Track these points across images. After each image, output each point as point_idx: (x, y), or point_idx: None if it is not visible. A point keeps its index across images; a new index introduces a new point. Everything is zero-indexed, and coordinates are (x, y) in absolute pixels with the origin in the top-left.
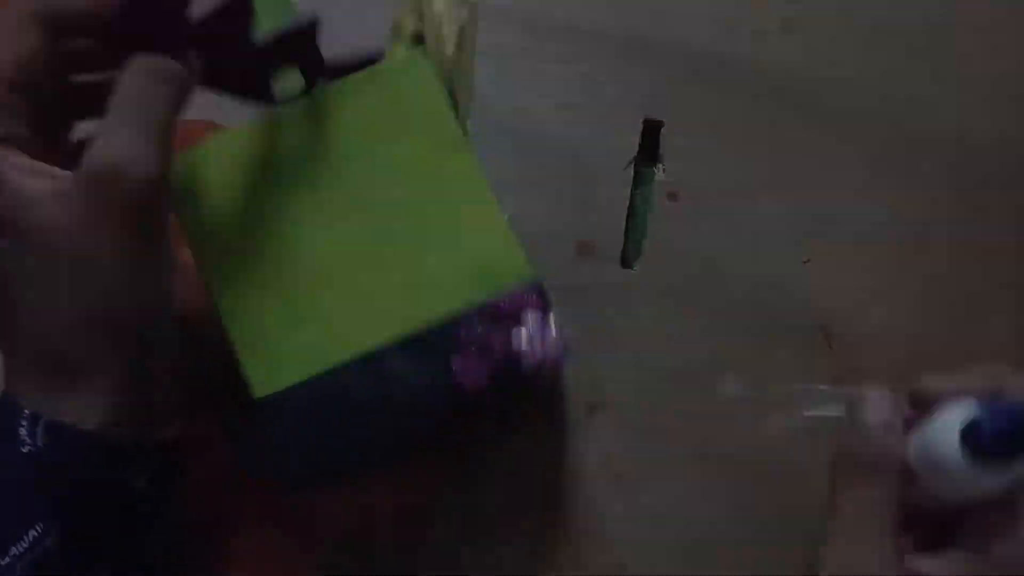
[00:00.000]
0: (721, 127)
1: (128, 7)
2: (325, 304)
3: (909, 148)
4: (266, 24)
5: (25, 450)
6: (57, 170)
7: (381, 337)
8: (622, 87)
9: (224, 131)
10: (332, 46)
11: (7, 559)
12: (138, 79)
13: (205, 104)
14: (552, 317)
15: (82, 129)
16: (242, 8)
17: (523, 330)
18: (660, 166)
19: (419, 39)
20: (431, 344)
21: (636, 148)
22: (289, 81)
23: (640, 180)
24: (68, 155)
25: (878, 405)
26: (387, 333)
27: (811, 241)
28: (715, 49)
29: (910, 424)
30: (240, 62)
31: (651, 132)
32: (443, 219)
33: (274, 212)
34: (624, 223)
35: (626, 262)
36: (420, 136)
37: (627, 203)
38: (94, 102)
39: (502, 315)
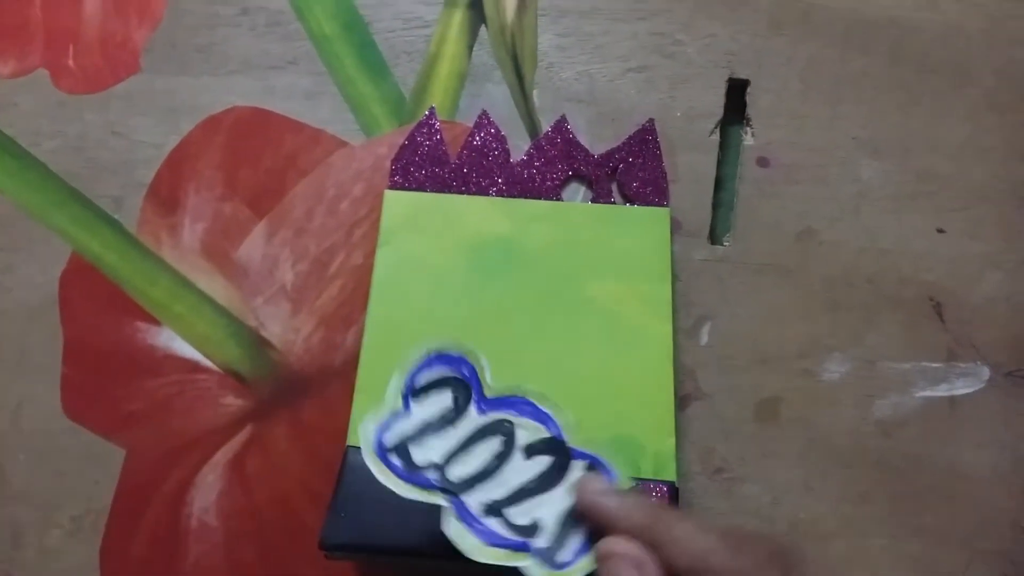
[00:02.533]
0: (812, 83)
1: None
2: None
3: (1018, 97)
4: None
5: None
6: None
7: None
8: (701, 44)
9: (458, 197)
10: (384, 13)
11: None
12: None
13: (250, 92)
14: None
15: None
16: None
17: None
18: (748, 129)
19: (476, 2)
20: None
21: (720, 111)
22: None
23: (727, 146)
24: None
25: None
26: None
27: (916, 204)
28: None
29: None
30: None
31: (736, 93)
32: (615, 372)
33: (462, 285)
34: (711, 194)
35: (715, 237)
36: (634, 286)
37: (713, 172)
38: None
39: None
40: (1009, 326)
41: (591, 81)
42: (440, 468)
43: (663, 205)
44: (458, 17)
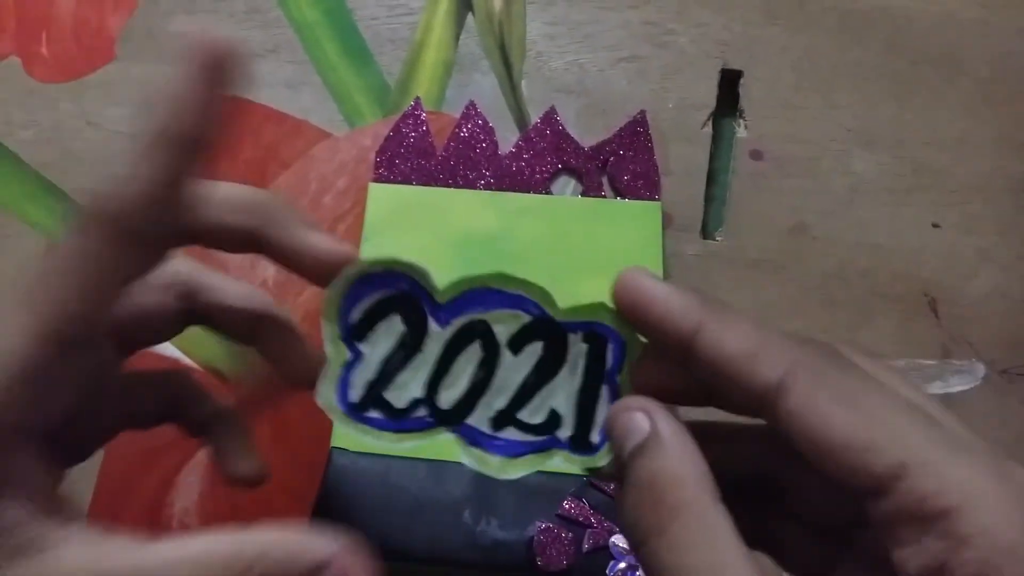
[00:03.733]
0: (806, 74)
1: None
2: None
3: (1014, 89)
4: None
5: None
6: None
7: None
8: (694, 34)
9: (445, 191)
10: (369, 2)
11: None
12: None
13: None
14: None
15: None
16: None
17: (623, 539)
18: (741, 121)
19: None
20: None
21: (713, 103)
22: None
23: (719, 138)
24: None
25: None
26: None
27: (911, 197)
28: None
29: None
30: None
31: (729, 84)
32: None
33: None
34: (703, 188)
35: (707, 231)
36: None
37: (706, 165)
38: None
39: (612, 503)
40: (1004, 322)
41: (581, 71)
42: (426, 401)
43: (654, 199)
44: (444, 4)
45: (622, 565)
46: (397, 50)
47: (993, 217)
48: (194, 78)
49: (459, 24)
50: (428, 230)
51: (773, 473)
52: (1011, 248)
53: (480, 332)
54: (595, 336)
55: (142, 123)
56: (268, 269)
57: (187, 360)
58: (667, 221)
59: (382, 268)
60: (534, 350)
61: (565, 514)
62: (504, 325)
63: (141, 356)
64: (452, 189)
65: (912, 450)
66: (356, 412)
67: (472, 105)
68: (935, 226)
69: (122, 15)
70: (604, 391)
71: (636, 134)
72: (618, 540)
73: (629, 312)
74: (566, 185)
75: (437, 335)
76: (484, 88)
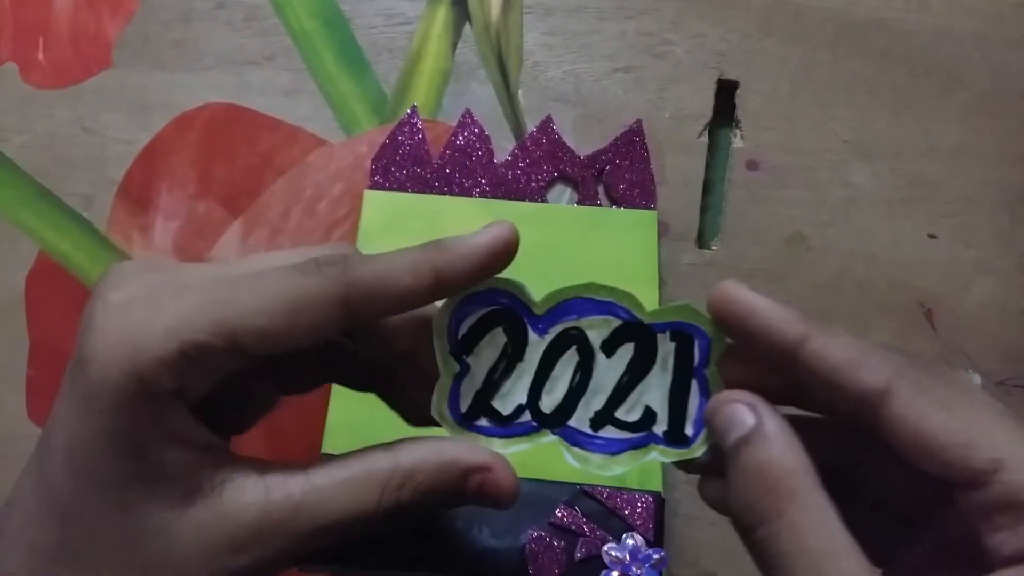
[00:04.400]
0: (802, 85)
1: None
2: None
3: (1011, 101)
4: None
5: None
6: (218, 444)
7: None
8: (690, 45)
9: (440, 198)
10: (365, 9)
11: None
12: None
13: (226, 88)
14: (659, 558)
15: None
16: None
17: (616, 548)
18: (737, 132)
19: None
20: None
21: (710, 113)
22: None
23: (715, 148)
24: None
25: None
26: None
27: (907, 209)
28: None
29: None
30: None
31: (725, 94)
32: None
33: None
34: (699, 197)
35: (703, 241)
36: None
37: (702, 175)
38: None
39: (606, 511)
40: (1001, 333)
41: (577, 81)
42: (529, 406)
43: (650, 207)
44: (442, 14)
45: (615, 574)
46: (394, 59)
47: (990, 228)
48: (485, 257)
49: (456, 33)
50: (423, 237)
51: (841, 461)
52: (1008, 259)
53: (575, 338)
54: (682, 334)
55: (429, 253)
56: None
57: None
58: (663, 230)
59: (485, 286)
60: (626, 351)
61: (557, 522)
62: (597, 330)
63: None
64: (447, 197)
65: (1005, 447)
66: (466, 421)
67: (468, 113)
68: (932, 237)
69: (119, 22)
70: (694, 386)
71: (632, 143)
72: (611, 549)
73: (729, 323)
74: (562, 194)
75: (536, 344)
76: (481, 97)
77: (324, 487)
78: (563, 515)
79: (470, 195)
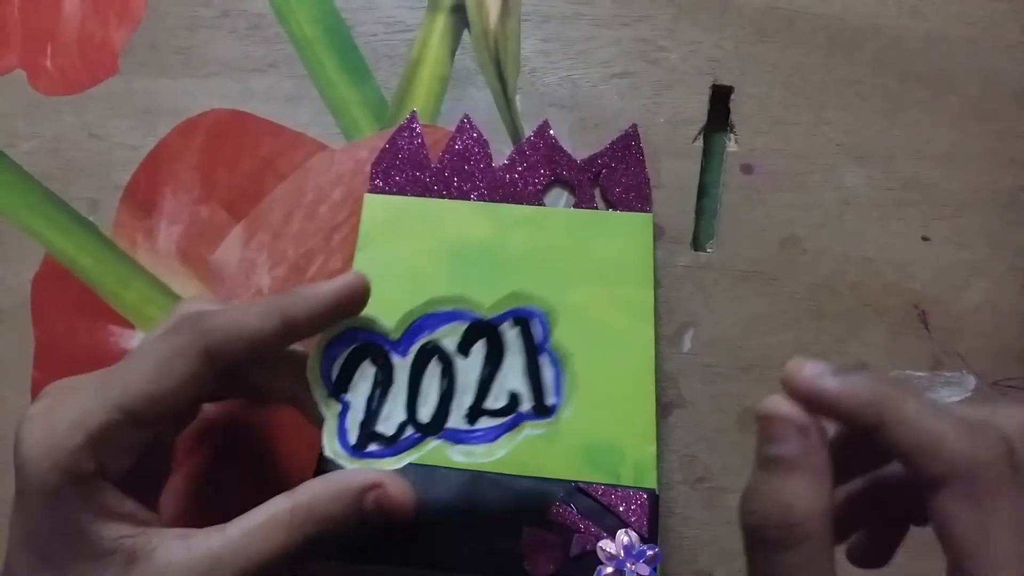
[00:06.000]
0: (796, 90)
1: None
2: None
3: (1003, 105)
4: None
5: None
6: (144, 514)
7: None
8: (685, 51)
9: (439, 201)
10: (366, 17)
11: None
12: None
13: (230, 94)
14: (652, 555)
15: None
16: None
17: (610, 544)
18: (731, 136)
19: (459, 7)
20: (520, 493)
21: (704, 118)
22: None
23: (710, 152)
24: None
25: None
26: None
27: (901, 211)
28: (785, 4)
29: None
30: None
31: (720, 99)
32: (596, 377)
33: (442, 290)
34: (694, 201)
35: (698, 243)
36: (616, 291)
37: (697, 179)
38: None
39: (601, 508)
40: (995, 335)
41: (574, 86)
42: (410, 421)
43: (646, 211)
44: (441, 21)
45: (609, 570)
46: (394, 66)
47: (983, 231)
48: (330, 303)
49: (455, 40)
50: (422, 240)
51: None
52: (1001, 261)
53: (433, 351)
54: (521, 319)
55: (279, 299)
56: (263, 279)
57: None
58: (658, 233)
59: (339, 329)
60: (480, 348)
61: (553, 519)
62: (449, 338)
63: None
64: (446, 200)
65: None
66: (357, 451)
67: (467, 118)
68: (925, 239)
69: (126, 30)
70: (544, 360)
71: (628, 147)
72: (605, 545)
73: (806, 407)
74: (559, 197)
75: (401, 365)
76: (479, 102)
77: (237, 537)
78: (558, 512)
79: (468, 198)
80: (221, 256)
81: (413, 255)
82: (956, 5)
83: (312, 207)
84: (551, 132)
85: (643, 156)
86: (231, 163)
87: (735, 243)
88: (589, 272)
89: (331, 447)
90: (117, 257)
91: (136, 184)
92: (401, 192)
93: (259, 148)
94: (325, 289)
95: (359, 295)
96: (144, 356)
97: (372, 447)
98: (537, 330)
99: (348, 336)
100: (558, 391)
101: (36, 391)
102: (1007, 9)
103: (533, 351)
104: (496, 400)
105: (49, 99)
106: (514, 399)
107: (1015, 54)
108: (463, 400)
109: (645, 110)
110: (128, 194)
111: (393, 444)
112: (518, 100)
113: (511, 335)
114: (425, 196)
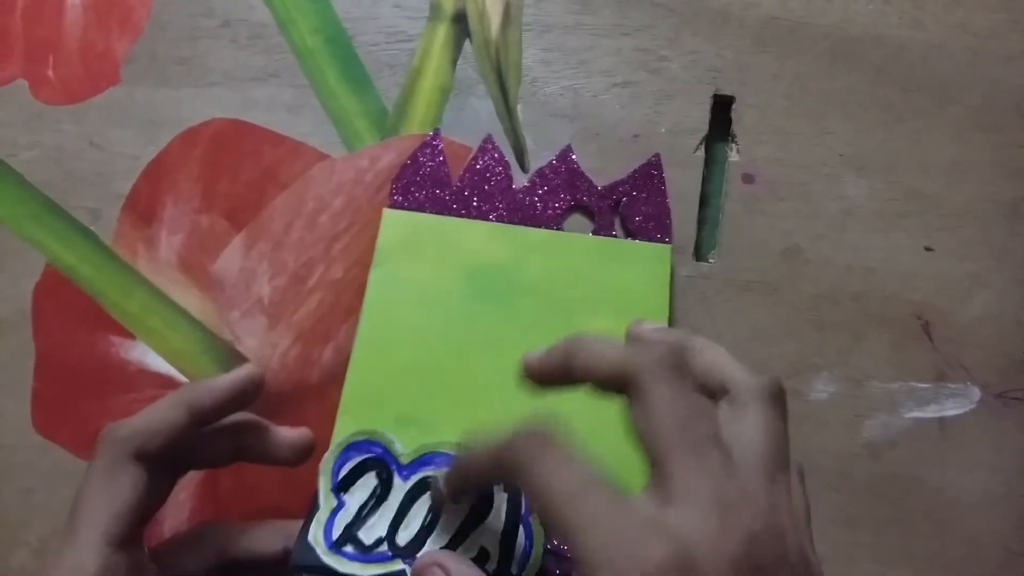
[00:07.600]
0: (797, 100)
1: None
2: (435, 417)
3: (1004, 116)
4: None
5: None
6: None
7: None
8: (686, 61)
9: (458, 220)
10: (367, 27)
11: None
12: None
13: (231, 104)
14: None
15: None
16: None
17: None
18: (733, 146)
19: (460, 17)
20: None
21: (706, 127)
22: None
23: (712, 162)
24: None
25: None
26: None
27: (903, 222)
28: (786, 14)
29: None
30: None
31: (721, 109)
32: (608, 413)
33: (456, 310)
34: (696, 211)
35: (700, 254)
36: (629, 321)
37: (698, 189)
38: None
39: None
40: (998, 346)
41: (575, 96)
42: (388, 539)
43: (665, 241)
44: (442, 31)
45: None
46: (395, 75)
47: (986, 241)
48: (228, 394)
49: (456, 50)
50: (439, 259)
51: None
52: (1004, 272)
53: (431, 485)
54: (514, 487)
55: (184, 392)
56: (263, 288)
57: (181, 378)
58: None
59: (364, 436)
60: (469, 499)
61: (555, 549)
62: None
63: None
64: (465, 219)
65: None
66: (335, 547)
67: (489, 138)
68: (928, 250)
69: (127, 40)
70: (521, 531)
71: (650, 176)
72: None
73: (536, 381)
74: (578, 222)
75: (400, 487)
76: (480, 112)
77: None
78: (560, 541)
79: (487, 219)
80: (222, 265)
81: (428, 274)
82: (957, 16)
83: (313, 216)
84: (573, 156)
85: (664, 185)
86: (232, 172)
87: (737, 253)
88: (605, 300)
89: (315, 534)
90: (118, 267)
91: (137, 193)
92: (420, 209)
93: (260, 158)
94: (225, 381)
95: (255, 386)
96: (92, 488)
97: (348, 548)
98: (524, 502)
99: (365, 446)
100: (523, 564)
101: (37, 402)
102: (1008, 20)
103: (515, 521)
104: (467, 550)
105: (51, 108)
106: (483, 554)
107: (1016, 65)
108: (440, 538)
109: (646, 120)
110: (129, 203)
111: (366, 553)
112: (519, 110)
113: (500, 498)
114: (444, 214)
